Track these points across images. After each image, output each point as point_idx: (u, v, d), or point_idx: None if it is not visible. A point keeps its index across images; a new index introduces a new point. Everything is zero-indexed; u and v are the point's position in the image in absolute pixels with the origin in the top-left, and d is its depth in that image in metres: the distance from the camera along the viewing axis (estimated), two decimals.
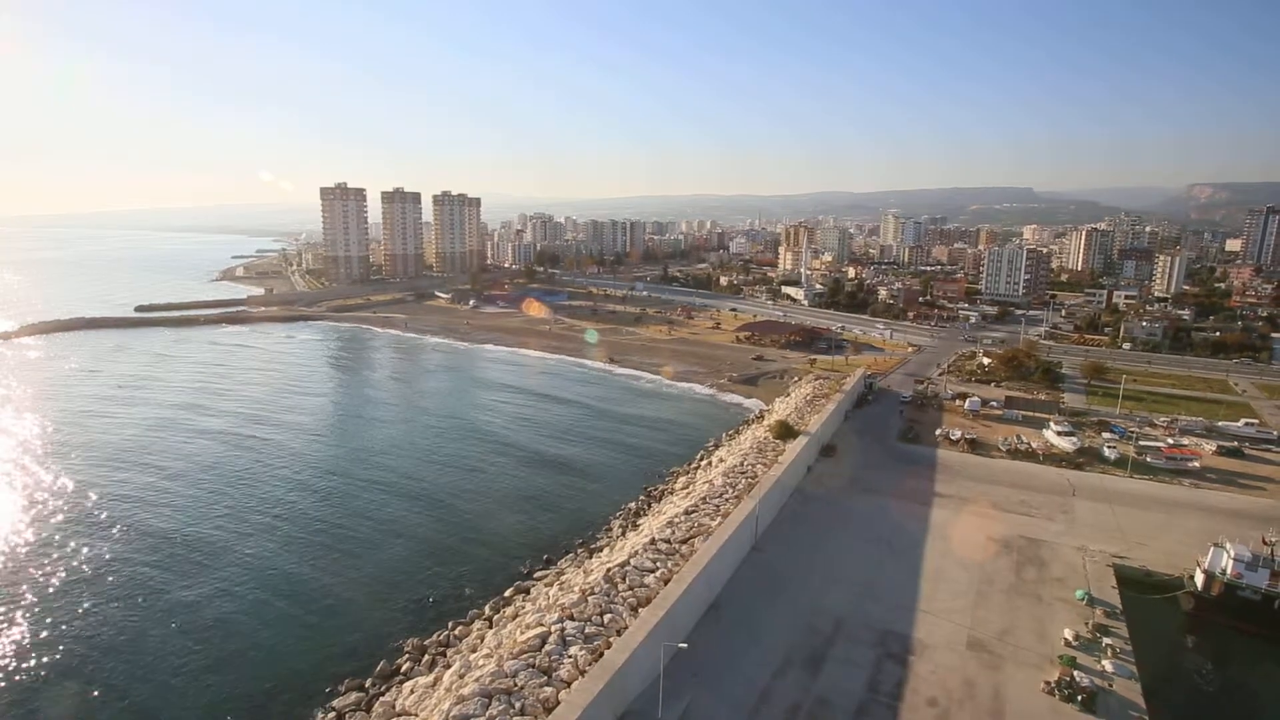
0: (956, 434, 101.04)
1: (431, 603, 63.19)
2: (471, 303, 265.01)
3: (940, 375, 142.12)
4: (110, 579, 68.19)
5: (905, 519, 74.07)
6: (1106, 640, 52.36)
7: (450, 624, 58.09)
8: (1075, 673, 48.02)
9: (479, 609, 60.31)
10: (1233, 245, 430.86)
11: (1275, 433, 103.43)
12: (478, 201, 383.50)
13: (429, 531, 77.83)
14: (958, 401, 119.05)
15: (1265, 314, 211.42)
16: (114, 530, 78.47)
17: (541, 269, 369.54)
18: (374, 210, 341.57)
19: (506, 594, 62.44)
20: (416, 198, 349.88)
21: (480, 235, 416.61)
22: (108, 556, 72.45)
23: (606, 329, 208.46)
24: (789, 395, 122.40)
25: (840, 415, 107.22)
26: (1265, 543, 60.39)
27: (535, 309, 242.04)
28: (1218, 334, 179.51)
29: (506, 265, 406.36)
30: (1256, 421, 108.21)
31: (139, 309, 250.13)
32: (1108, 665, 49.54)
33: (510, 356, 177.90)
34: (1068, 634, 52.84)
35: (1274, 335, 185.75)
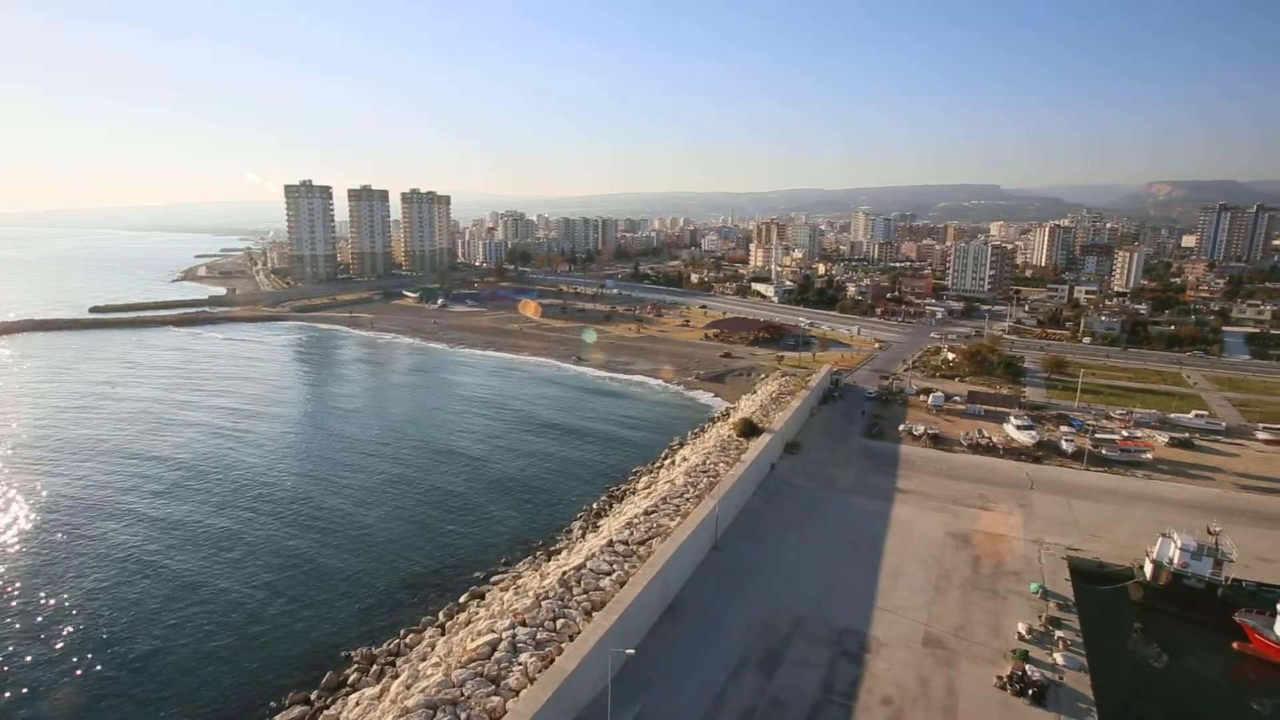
0: (920, 429, 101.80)
1: (385, 610, 61.67)
2: (440, 301, 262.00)
3: (906, 371, 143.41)
4: (45, 585, 65.48)
5: (867, 515, 74.22)
6: (1059, 633, 52.77)
7: (402, 632, 56.71)
8: (1027, 666, 48.24)
9: (433, 615, 59.05)
10: (1189, 241, 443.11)
11: (1223, 424, 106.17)
12: (447, 199, 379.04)
13: (386, 536, 76.15)
14: (922, 397, 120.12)
15: (1217, 308, 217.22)
16: (55, 535, 75.58)
17: (512, 267, 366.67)
18: (342, 209, 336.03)
19: (461, 599, 61.20)
20: (384, 195, 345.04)
21: (450, 233, 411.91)
22: (46, 563, 69.56)
23: (574, 327, 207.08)
24: (755, 392, 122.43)
25: (806, 412, 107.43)
26: (1209, 532, 61.58)
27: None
28: (1172, 328, 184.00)
29: (477, 264, 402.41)
30: (1206, 413, 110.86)
31: (94, 310, 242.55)
32: (1059, 658, 49.91)
33: (476, 356, 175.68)
34: (1021, 628, 53.18)
35: (1225, 329, 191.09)
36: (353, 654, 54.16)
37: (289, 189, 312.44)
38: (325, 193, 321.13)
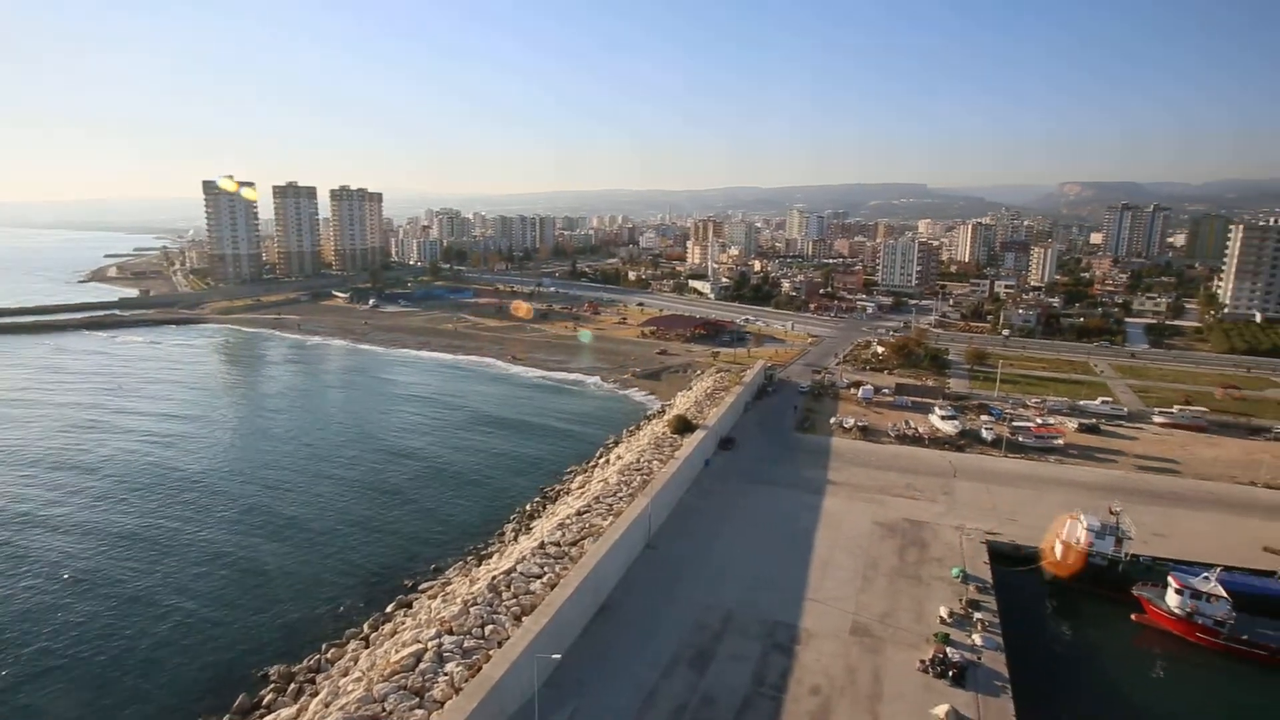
0: (850, 422, 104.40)
1: (306, 623, 58.95)
2: (371, 302, 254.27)
3: (837, 365, 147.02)
4: None
5: (798, 508, 75.46)
6: (978, 615, 54.85)
7: (324, 646, 54.29)
8: (948, 649, 49.89)
9: (357, 628, 56.81)
10: (1096, 238, 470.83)
11: (1125, 410, 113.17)
12: (379, 197, 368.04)
13: (311, 545, 72.96)
14: (852, 390, 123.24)
15: (1121, 301, 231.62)
16: None
17: (447, 266, 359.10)
18: (267, 207, 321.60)
19: (388, 609, 59.17)
20: (312, 192, 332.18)
21: (383, 232, 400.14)
22: None
23: (510, 326, 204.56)
24: (690, 389, 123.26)
25: (740, 407, 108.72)
26: (1111, 512, 65.31)
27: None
28: (1081, 320, 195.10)
29: (412, 262, 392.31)
30: (1111, 400, 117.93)
31: None
32: (978, 639, 51.85)
33: (409, 357, 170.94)
34: (943, 612, 54.99)
35: (1127, 320, 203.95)
36: (270, 672, 51.53)
37: (208, 185, 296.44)
38: (247, 189, 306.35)
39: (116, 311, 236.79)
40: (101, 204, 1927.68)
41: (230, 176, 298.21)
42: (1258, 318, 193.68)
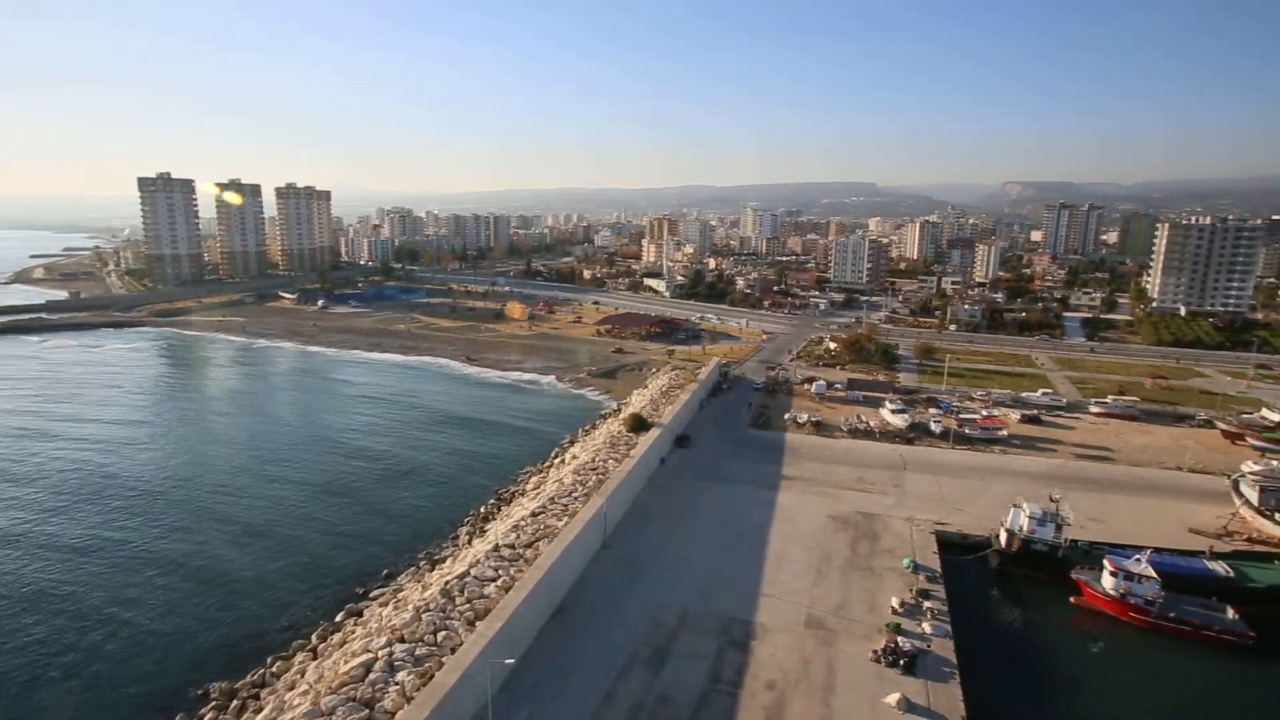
0: (803, 417, 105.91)
1: (251, 636, 56.86)
2: (320, 302, 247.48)
3: (791, 361, 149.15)
4: None
5: (753, 504, 76.14)
6: (927, 604, 56.27)
7: (269, 660, 52.40)
8: (899, 638, 51.04)
9: (305, 639, 54.98)
10: (1036, 236, 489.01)
11: (1064, 400, 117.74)
12: (327, 195, 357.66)
13: (256, 554, 70.43)
14: (806, 386, 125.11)
15: (1059, 296, 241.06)
16: None
17: (399, 265, 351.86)
18: (209, 205, 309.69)
19: (337, 618, 57.46)
20: (256, 190, 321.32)
21: (332, 231, 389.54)
22: None
23: (464, 326, 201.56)
24: (646, 387, 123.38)
25: (695, 405, 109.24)
26: (1051, 500, 67.80)
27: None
28: (1023, 314, 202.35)
29: (363, 262, 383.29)
30: (1051, 391, 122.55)
31: None
32: (927, 627, 53.22)
33: (360, 359, 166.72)
34: (894, 602, 56.24)
35: (1065, 314, 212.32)
36: (210, 689, 49.43)
37: (143, 181, 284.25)
38: (186, 186, 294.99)
39: (42, 315, 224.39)
40: (24, 201, 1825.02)
41: (166, 174, 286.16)
42: (1182, 311, 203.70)
